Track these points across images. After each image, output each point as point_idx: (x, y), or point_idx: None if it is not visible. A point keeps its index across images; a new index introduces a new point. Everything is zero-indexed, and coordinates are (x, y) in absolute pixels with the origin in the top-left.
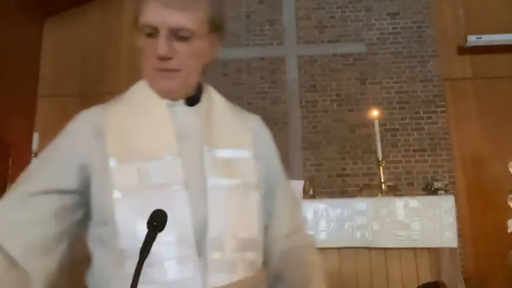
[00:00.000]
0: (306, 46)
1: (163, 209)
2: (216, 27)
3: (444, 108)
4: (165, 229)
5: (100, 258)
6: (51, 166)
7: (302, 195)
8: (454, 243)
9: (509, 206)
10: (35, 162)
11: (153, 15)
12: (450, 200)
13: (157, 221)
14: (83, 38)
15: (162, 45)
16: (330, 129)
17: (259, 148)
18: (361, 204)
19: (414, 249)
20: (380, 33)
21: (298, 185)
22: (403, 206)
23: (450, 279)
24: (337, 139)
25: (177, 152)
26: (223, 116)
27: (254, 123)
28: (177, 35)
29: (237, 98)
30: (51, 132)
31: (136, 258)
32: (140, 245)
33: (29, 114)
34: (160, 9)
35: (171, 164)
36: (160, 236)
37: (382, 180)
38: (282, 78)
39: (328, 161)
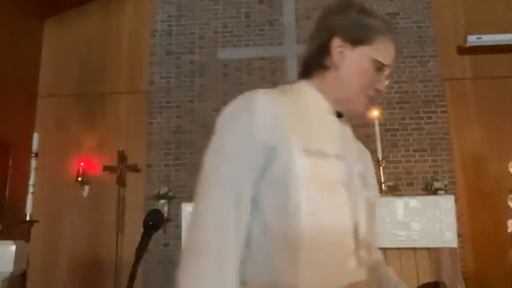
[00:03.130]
0: (306, 46)
1: (332, 207)
2: None
3: (444, 108)
4: (333, 225)
5: (265, 245)
6: (248, 155)
7: None
8: (454, 243)
9: (509, 206)
10: (228, 153)
11: (391, 58)
12: (450, 200)
13: (153, 221)
14: (83, 38)
15: (385, 83)
16: None
17: (366, 167)
18: None
19: (414, 249)
20: None
21: None
22: (403, 206)
23: (450, 279)
24: None
25: (341, 155)
26: (350, 134)
27: (360, 144)
28: None
29: None
30: (51, 132)
31: (316, 247)
32: (325, 235)
33: (29, 114)
34: (394, 53)
35: (338, 165)
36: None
37: (382, 180)
38: (282, 78)
39: None
